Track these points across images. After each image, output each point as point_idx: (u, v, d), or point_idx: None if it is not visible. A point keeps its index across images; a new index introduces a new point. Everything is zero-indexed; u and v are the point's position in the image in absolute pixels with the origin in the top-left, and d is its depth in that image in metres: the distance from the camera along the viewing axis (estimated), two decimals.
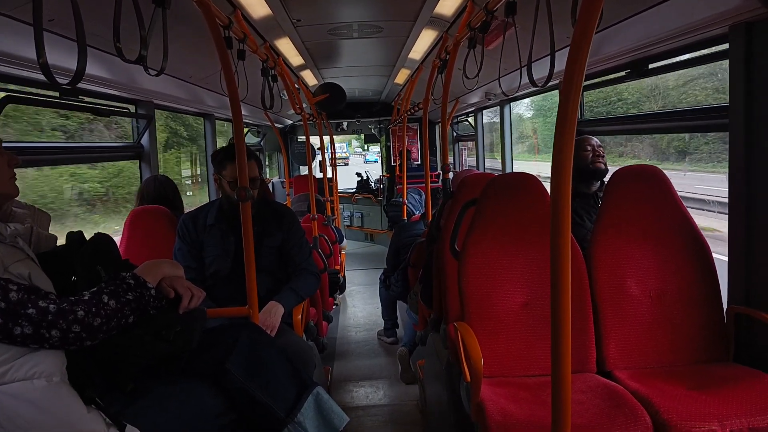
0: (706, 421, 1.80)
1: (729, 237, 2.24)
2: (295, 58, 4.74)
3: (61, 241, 1.77)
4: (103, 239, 1.79)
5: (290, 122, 9.13)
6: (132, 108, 3.65)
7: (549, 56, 2.02)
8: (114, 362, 1.61)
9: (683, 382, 2.10)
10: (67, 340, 1.41)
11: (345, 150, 31.27)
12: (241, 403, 1.86)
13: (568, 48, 1.23)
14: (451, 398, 2.43)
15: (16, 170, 1.64)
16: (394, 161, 9.21)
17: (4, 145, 1.61)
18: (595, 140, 3.02)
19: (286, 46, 4.18)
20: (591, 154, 2.97)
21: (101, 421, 1.48)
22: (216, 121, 5.36)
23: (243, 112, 5.89)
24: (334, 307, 5.37)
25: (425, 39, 4.08)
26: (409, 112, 6.33)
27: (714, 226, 5.04)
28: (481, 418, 1.94)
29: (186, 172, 8.33)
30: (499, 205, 2.44)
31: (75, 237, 1.75)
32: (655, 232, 2.40)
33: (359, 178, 10.54)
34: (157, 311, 1.64)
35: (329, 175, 7.67)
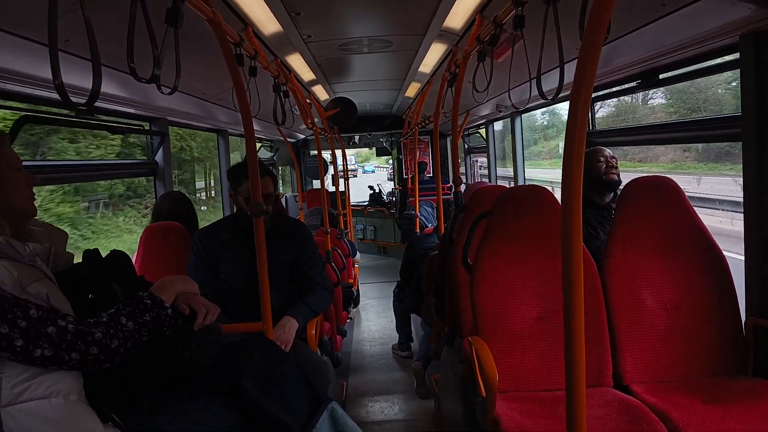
0: None
1: (745, 248, 2.21)
2: (306, 74, 4.78)
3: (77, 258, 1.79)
4: (118, 256, 1.81)
5: (302, 137, 9.19)
6: (146, 125, 3.70)
7: (558, 68, 2.02)
8: (130, 380, 1.62)
9: (701, 395, 2.07)
10: (86, 363, 1.42)
11: (354, 162, 32.06)
12: (255, 418, 1.86)
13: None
14: (467, 413, 2.41)
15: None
16: (407, 174, 9.23)
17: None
18: (608, 151, 3.01)
19: (297, 62, 4.22)
20: (604, 165, 2.96)
21: None
22: (230, 136, 5.41)
23: (256, 128, 5.95)
24: (348, 321, 5.37)
25: (435, 52, 4.10)
26: (420, 125, 6.34)
27: None
28: None
29: None
30: (512, 218, 2.43)
31: (91, 255, 1.77)
32: (669, 243, 2.38)
33: (372, 191, 10.57)
34: (172, 330, 1.65)
35: (341, 188, 7.70)
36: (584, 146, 1.20)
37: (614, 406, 2.05)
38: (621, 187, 2.79)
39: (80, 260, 1.77)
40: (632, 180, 2.50)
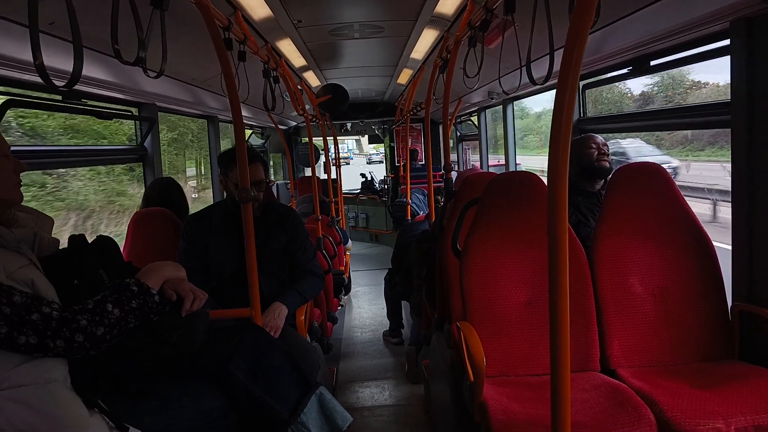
0: (711, 419, 1.79)
1: (732, 234, 2.23)
2: (297, 60, 4.74)
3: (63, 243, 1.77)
4: (105, 242, 1.80)
5: (294, 123, 9.15)
6: (135, 111, 3.67)
7: (548, 55, 2.01)
8: (117, 365, 1.61)
9: (687, 379, 2.09)
10: (71, 350, 1.41)
11: (347, 150, 33.03)
12: (244, 404, 1.87)
13: None
14: (455, 398, 2.43)
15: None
16: (399, 161, 9.22)
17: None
18: (600, 138, 3.01)
19: (287, 48, 4.19)
20: (596, 152, 2.95)
21: (104, 424, 1.49)
22: (220, 122, 5.38)
23: (246, 114, 5.90)
24: (339, 307, 5.38)
25: (426, 38, 4.08)
26: (412, 112, 6.32)
27: None
28: (484, 418, 1.94)
29: None
30: (501, 204, 2.43)
31: (77, 240, 1.75)
32: (657, 229, 2.39)
33: (363, 179, 10.56)
34: (160, 316, 1.64)
35: (333, 176, 7.68)
36: (570, 133, 1.20)
37: (601, 390, 2.07)
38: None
39: (66, 246, 1.76)
40: (621, 166, 2.51)
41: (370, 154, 33.70)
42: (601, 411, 1.91)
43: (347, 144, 32.95)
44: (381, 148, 14.32)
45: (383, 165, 10.70)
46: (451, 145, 7.96)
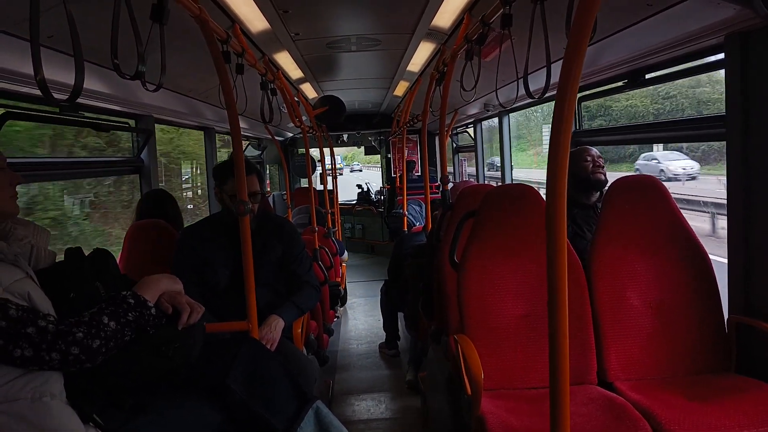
0: None
1: (728, 246, 2.24)
2: (294, 72, 4.76)
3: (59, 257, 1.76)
4: (101, 255, 1.79)
5: (290, 135, 9.16)
6: (132, 122, 3.67)
7: (545, 68, 2.03)
8: (112, 379, 1.60)
9: (685, 393, 2.09)
10: (66, 363, 1.40)
11: (340, 161, 35.76)
12: (240, 417, 1.85)
13: None
14: (453, 411, 2.42)
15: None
16: (395, 173, 9.23)
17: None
18: (595, 151, 3.02)
19: (285, 60, 4.20)
20: (591, 165, 2.96)
21: None
22: (216, 134, 5.38)
23: (243, 126, 5.90)
24: (335, 319, 5.36)
25: (423, 51, 4.10)
26: (408, 124, 6.34)
27: None
28: None
29: None
30: (498, 217, 2.44)
31: (73, 253, 1.75)
32: (653, 242, 2.40)
33: (360, 190, 10.57)
34: (156, 329, 1.63)
35: (330, 187, 7.68)
36: (569, 145, 1.20)
37: (598, 403, 2.06)
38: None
39: (63, 258, 1.75)
40: (617, 179, 2.52)
41: (353, 164, 39.26)
42: (600, 425, 1.90)
43: (339, 157, 34.74)
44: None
45: (362, 173, 10.78)
46: (448, 156, 7.98)
